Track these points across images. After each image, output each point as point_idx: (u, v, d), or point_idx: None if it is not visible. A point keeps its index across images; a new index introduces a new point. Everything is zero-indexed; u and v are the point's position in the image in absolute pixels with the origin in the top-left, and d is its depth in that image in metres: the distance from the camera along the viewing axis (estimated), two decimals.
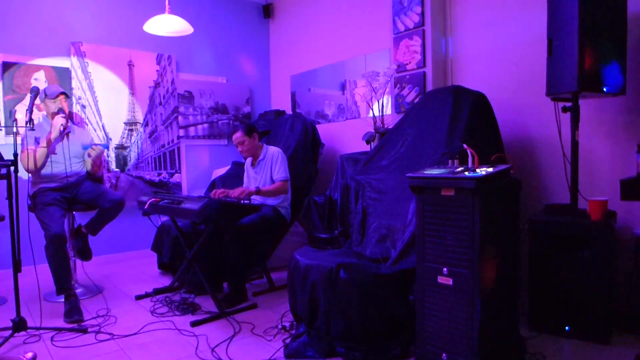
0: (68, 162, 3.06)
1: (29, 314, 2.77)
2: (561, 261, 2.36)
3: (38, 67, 3.85)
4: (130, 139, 4.38)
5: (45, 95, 3.09)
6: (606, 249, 2.27)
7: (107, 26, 4.20)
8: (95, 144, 3.20)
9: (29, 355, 2.17)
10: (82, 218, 3.36)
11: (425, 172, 1.98)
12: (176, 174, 4.65)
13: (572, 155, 2.47)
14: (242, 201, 3.05)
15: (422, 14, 3.34)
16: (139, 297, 3.16)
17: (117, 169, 4.31)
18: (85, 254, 3.31)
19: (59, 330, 2.55)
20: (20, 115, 3.71)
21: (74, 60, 4.01)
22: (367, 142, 3.50)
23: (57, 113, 3.02)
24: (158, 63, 4.51)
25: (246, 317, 2.76)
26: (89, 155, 3.12)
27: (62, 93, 3.11)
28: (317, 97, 4.64)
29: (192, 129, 4.75)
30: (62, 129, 2.96)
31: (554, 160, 2.74)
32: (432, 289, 1.91)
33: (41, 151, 2.94)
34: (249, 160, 3.54)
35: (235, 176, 4.07)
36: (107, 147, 3.28)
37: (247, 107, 5.13)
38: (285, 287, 3.07)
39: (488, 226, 1.81)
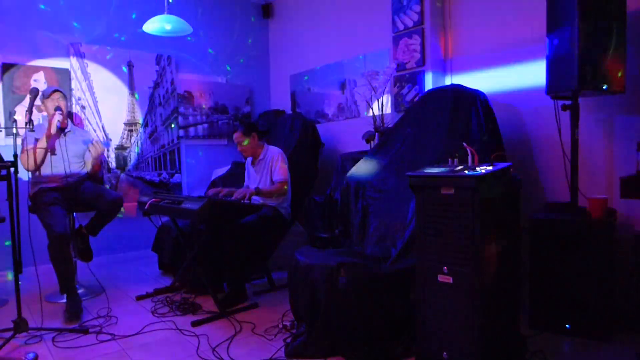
0: (67, 162, 3.07)
1: (30, 315, 2.77)
2: (561, 259, 2.36)
3: (37, 68, 3.85)
4: (130, 140, 4.38)
5: (43, 95, 3.11)
6: (606, 247, 2.27)
7: (106, 27, 4.20)
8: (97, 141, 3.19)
9: (31, 355, 2.17)
10: (82, 219, 3.36)
11: (425, 171, 1.98)
12: (176, 174, 4.65)
13: (572, 154, 2.47)
14: (242, 201, 3.05)
15: (422, 13, 3.34)
16: (139, 298, 3.17)
17: (117, 170, 4.31)
18: (86, 254, 3.31)
19: (60, 330, 2.55)
20: (20, 117, 3.71)
21: (74, 61, 4.01)
22: (367, 141, 3.50)
23: (55, 111, 3.04)
24: (157, 63, 4.51)
25: (247, 317, 2.77)
26: (89, 151, 3.13)
27: (57, 90, 3.12)
28: (317, 97, 4.64)
29: (192, 129, 4.75)
30: (58, 124, 2.98)
31: (554, 158, 2.74)
32: (433, 287, 1.91)
33: (40, 150, 2.95)
34: (249, 159, 3.54)
35: (235, 176, 4.07)
36: (107, 145, 3.27)
37: (247, 107, 5.13)
38: (285, 287, 3.07)
39: (488, 225, 1.81)
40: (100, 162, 3.27)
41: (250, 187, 3.42)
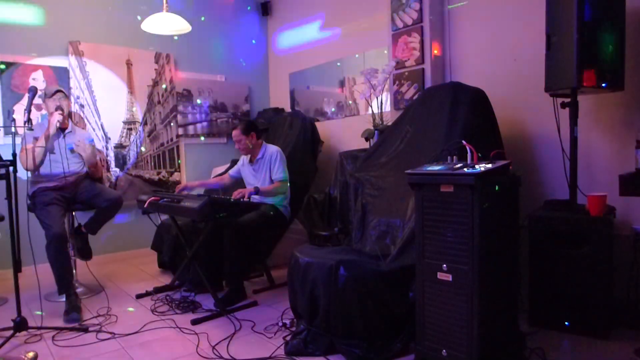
0: (66, 162, 3.07)
1: (29, 314, 2.77)
2: (560, 256, 2.37)
3: (36, 67, 3.84)
4: (129, 138, 4.38)
5: (45, 94, 3.11)
6: (605, 244, 2.27)
7: (105, 25, 4.19)
8: (79, 141, 3.16)
9: (30, 354, 2.17)
10: (81, 217, 3.36)
11: (425, 169, 1.98)
12: (175, 173, 4.65)
13: (571, 151, 2.47)
14: (241, 199, 3.05)
15: (421, 11, 3.34)
16: (139, 296, 3.17)
17: (116, 168, 4.31)
18: (86, 253, 3.31)
19: (60, 329, 2.55)
20: (19, 115, 3.70)
21: (72, 59, 4.00)
22: (366, 139, 3.50)
23: (55, 110, 3.03)
24: (156, 62, 4.50)
25: (246, 315, 2.77)
26: (73, 152, 3.12)
27: (59, 91, 3.12)
28: (316, 95, 4.63)
29: (191, 127, 4.75)
30: (58, 124, 2.98)
31: (553, 156, 2.74)
32: (432, 285, 1.91)
33: (39, 149, 2.95)
34: (245, 157, 3.52)
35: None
36: (91, 141, 3.25)
37: (246, 105, 5.13)
38: (285, 285, 3.07)
39: (487, 222, 1.81)
40: (98, 163, 3.27)
41: (249, 188, 3.41)
